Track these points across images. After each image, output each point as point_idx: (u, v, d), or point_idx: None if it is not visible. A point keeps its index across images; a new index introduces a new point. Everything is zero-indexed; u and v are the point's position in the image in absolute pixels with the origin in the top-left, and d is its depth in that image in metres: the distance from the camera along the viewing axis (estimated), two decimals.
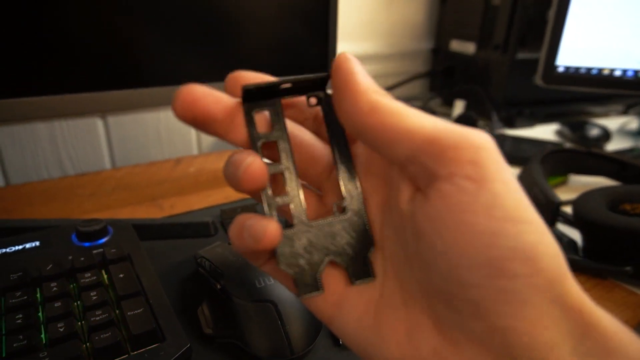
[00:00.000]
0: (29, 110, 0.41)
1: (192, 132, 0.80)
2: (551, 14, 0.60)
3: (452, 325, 0.17)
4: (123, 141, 0.74)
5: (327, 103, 0.20)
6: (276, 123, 0.20)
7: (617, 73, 0.59)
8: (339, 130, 0.20)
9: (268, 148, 0.20)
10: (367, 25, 0.95)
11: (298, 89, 0.20)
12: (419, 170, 0.17)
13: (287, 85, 0.19)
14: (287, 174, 0.20)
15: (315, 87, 0.20)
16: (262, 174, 0.18)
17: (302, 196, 0.20)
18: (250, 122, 0.19)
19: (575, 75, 0.61)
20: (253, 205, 0.47)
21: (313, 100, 0.21)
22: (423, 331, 0.18)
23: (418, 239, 0.17)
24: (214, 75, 0.49)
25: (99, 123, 0.71)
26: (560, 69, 0.62)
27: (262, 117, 0.20)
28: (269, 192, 0.19)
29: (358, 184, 0.20)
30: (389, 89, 1.00)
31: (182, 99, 0.18)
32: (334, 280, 0.20)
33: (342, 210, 0.20)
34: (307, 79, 0.19)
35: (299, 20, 0.52)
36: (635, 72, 0.59)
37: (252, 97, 0.19)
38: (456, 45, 0.96)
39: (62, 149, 0.69)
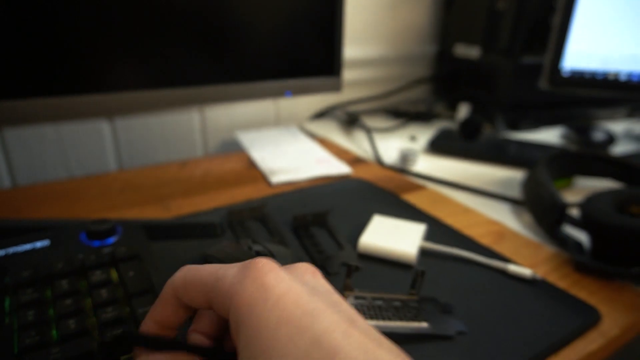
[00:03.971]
0: (36, 112, 0.41)
1: (197, 135, 0.80)
2: (557, 17, 0.60)
3: None
4: (129, 144, 0.74)
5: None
6: None
7: (623, 77, 0.59)
8: None
9: None
10: (371, 29, 0.96)
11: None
12: None
13: None
14: None
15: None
16: None
17: None
18: None
19: (580, 79, 0.61)
20: (260, 207, 0.48)
21: None
22: None
23: None
24: (220, 78, 0.49)
25: (105, 126, 0.71)
26: (566, 72, 0.62)
27: None
28: None
29: None
30: (393, 92, 1.00)
31: None
32: None
33: None
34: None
35: (305, 24, 0.53)
36: None
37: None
38: (461, 49, 0.96)
39: (69, 151, 0.70)
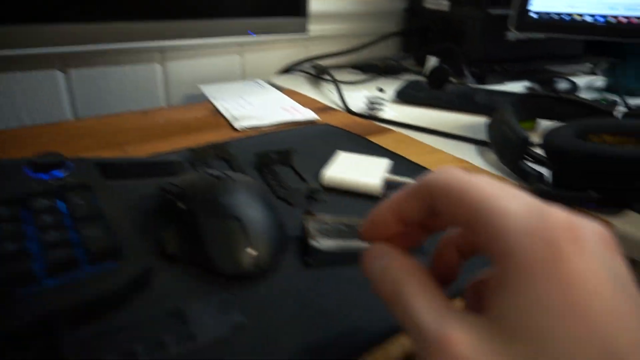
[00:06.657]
0: None
1: (160, 87, 0.77)
2: None
3: None
4: (86, 96, 0.71)
5: None
6: None
7: (588, 18, 0.59)
8: None
9: None
10: None
11: None
12: None
13: None
14: None
15: None
16: None
17: None
18: None
19: (547, 22, 0.61)
20: (223, 145, 0.46)
21: None
22: None
23: None
24: (180, 13, 0.47)
25: (59, 75, 0.67)
26: (533, 16, 0.62)
27: None
28: None
29: None
30: (362, 47, 0.99)
31: None
32: None
33: None
34: None
35: None
36: (605, 17, 0.59)
37: None
38: (430, 3, 0.94)
39: (20, 101, 0.66)
